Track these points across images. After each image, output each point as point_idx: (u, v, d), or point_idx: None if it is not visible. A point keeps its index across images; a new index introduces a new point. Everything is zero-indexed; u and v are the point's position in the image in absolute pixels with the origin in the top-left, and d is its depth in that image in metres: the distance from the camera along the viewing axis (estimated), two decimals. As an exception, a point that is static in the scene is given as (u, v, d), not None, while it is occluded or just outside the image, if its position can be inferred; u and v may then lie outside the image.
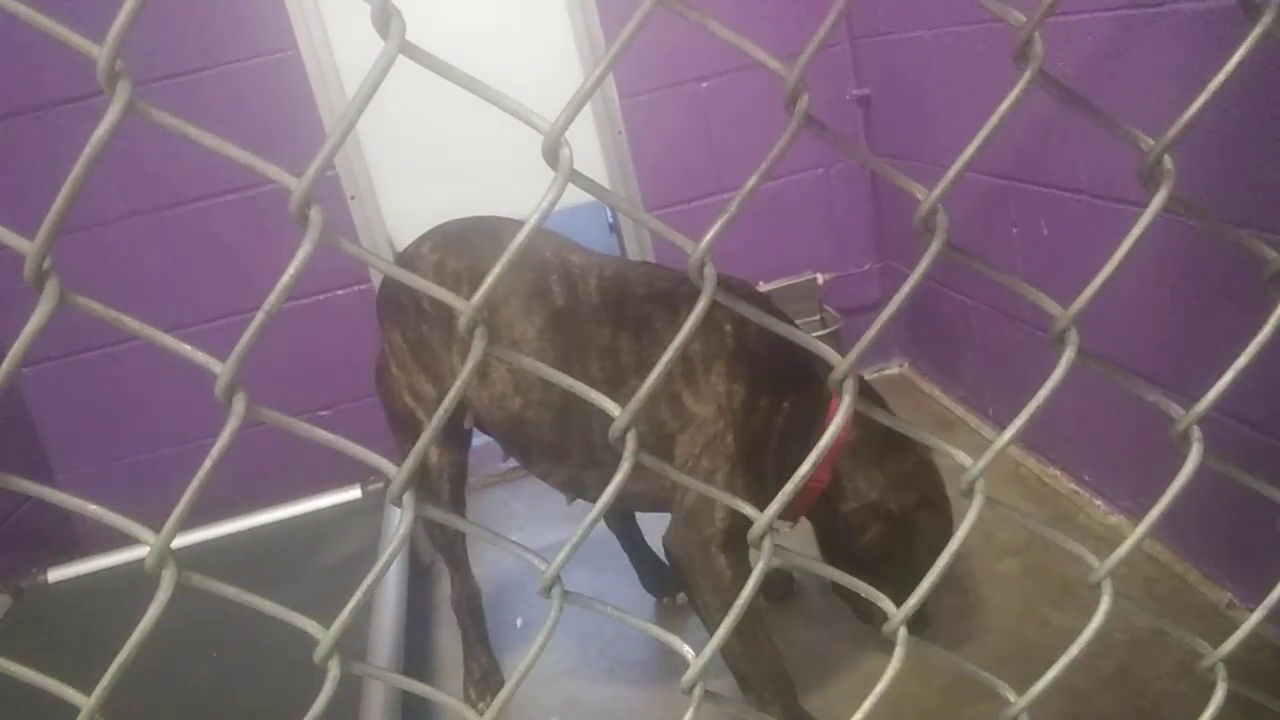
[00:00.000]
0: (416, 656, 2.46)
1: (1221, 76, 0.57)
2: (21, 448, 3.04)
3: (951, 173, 0.53)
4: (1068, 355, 0.60)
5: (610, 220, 3.83)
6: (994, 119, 0.52)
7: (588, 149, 3.22)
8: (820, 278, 3.43)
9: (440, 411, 0.55)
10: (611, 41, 0.47)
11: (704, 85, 3.24)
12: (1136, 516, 2.31)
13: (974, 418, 3.08)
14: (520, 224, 0.52)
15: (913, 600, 0.65)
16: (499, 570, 2.84)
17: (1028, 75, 0.53)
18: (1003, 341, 2.78)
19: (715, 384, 1.76)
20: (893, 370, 3.61)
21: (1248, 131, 1.66)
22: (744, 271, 3.37)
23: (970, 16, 2.50)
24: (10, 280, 2.91)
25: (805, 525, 2.05)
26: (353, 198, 3.11)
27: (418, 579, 2.82)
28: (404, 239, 3.21)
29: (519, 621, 2.58)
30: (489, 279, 0.51)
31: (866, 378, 3.54)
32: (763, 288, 3.42)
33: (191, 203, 3.03)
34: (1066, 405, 2.39)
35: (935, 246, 0.53)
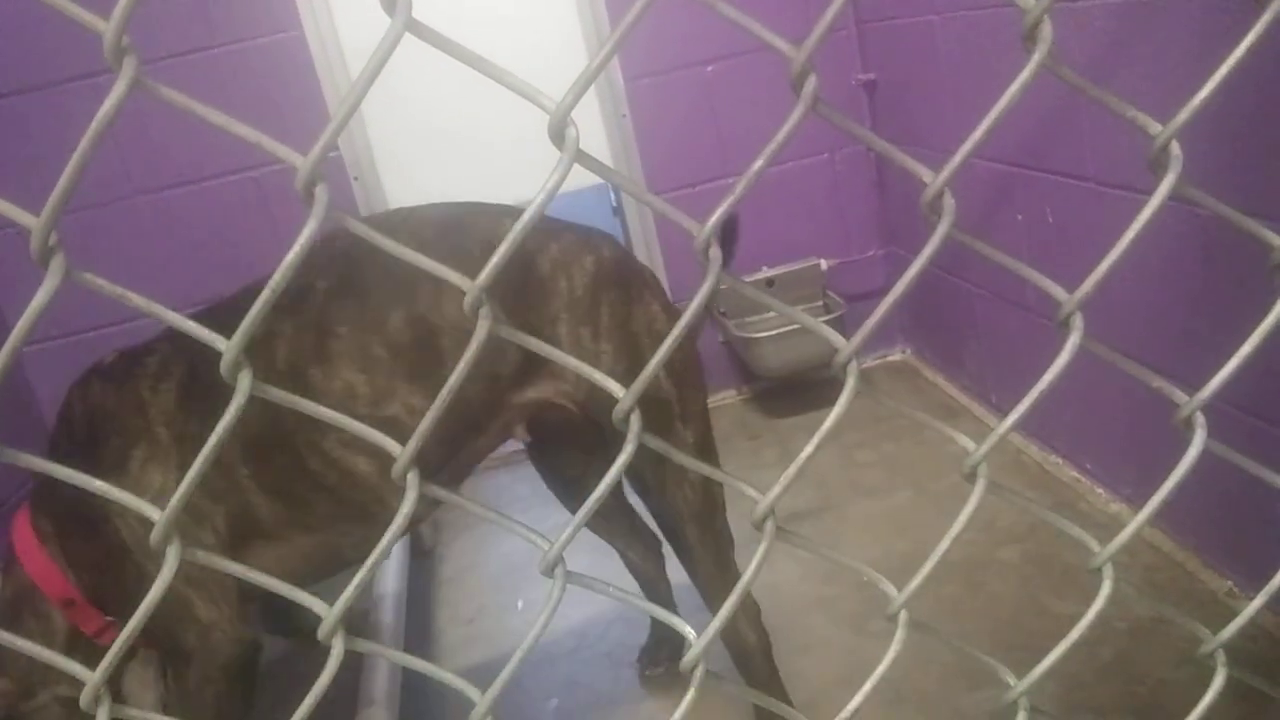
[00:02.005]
0: (417, 637, 2.47)
1: (1229, 64, 0.57)
2: (23, 427, 3.04)
3: (959, 155, 0.53)
4: (1072, 341, 0.60)
5: (614, 203, 3.82)
6: (1002, 102, 0.52)
7: (592, 132, 3.21)
8: (824, 263, 3.43)
9: (444, 393, 0.55)
10: (616, 24, 0.47)
11: (709, 69, 3.23)
12: (1137, 505, 2.31)
13: (978, 405, 3.08)
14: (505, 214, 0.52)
15: (914, 584, 0.65)
16: (501, 553, 2.85)
17: (1036, 59, 0.53)
18: (1007, 329, 2.78)
19: None
20: (896, 357, 3.61)
21: (1256, 119, 1.65)
22: (748, 256, 3.40)
23: (977, 1, 2.48)
24: (13, 259, 2.92)
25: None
26: (356, 179, 3.11)
27: (419, 561, 2.83)
28: (408, 221, 3.21)
29: (520, 604, 2.59)
30: (495, 258, 0.51)
31: (870, 364, 3.55)
32: (767, 273, 3.42)
33: (195, 183, 3.02)
34: (1069, 394, 2.39)
35: (943, 229, 0.53)
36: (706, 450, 1.79)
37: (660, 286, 1.78)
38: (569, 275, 1.65)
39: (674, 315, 1.71)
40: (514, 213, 1.70)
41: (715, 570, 1.77)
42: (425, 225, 1.68)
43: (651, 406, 1.56)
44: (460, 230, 1.64)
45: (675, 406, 1.69)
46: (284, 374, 1.56)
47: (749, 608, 1.81)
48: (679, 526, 1.77)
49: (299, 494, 1.60)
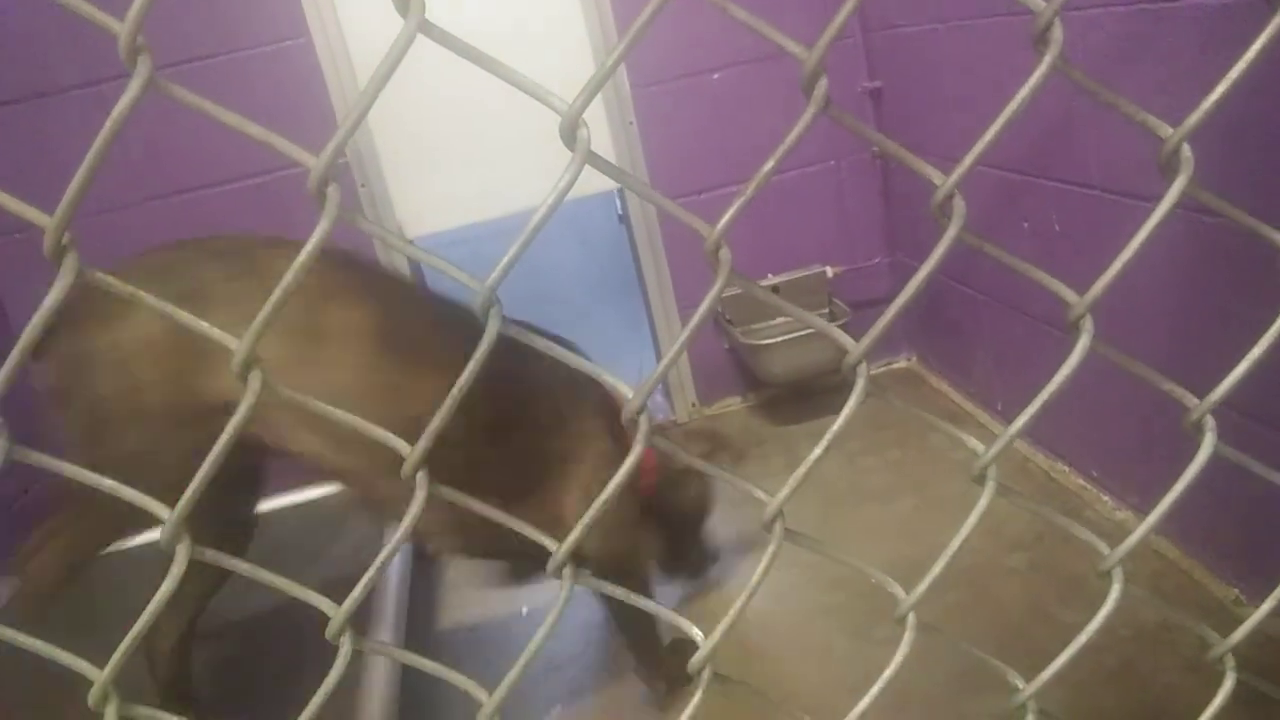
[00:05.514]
0: (419, 644, 2.47)
1: (1242, 65, 0.57)
2: (29, 428, 3.04)
3: (969, 158, 0.53)
4: (1082, 343, 0.60)
5: (619, 211, 3.83)
6: (1013, 105, 0.52)
7: (599, 140, 3.21)
8: (830, 270, 3.43)
9: (458, 387, 0.55)
10: (625, 32, 0.47)
11: (716, 76, 3.23)
12: (1144, 513, 2.31)
13: (983, 413, 3.07)
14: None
15: (922, 586, 0.65)
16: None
17: (1048, 60, 0.53)
18: (1013, 337, 2.78)
19: None
20: (901, 364, 3.60)
21: (1266, 124, 1.65)
22: (754, 263, 3.40)
23: (982, 9, 2.49)
24: (20, 264, 2.92)
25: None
26: (363, 186, 3.11)
27: (421, 566, 2.83)
28: (414, 227, 3.22)
29: (524, 610, 2.59)
30: (507, 257, 0.51)
31: (875, 371, 3.54)
32: (772, 280, 3.42)
33: (206, 188, 3.03)
34: (1076, 401, 2.38)
35: (952, 231, 0.53)
36: None
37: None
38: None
39: None
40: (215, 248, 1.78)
41: None
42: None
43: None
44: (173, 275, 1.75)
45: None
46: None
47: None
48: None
49: None
